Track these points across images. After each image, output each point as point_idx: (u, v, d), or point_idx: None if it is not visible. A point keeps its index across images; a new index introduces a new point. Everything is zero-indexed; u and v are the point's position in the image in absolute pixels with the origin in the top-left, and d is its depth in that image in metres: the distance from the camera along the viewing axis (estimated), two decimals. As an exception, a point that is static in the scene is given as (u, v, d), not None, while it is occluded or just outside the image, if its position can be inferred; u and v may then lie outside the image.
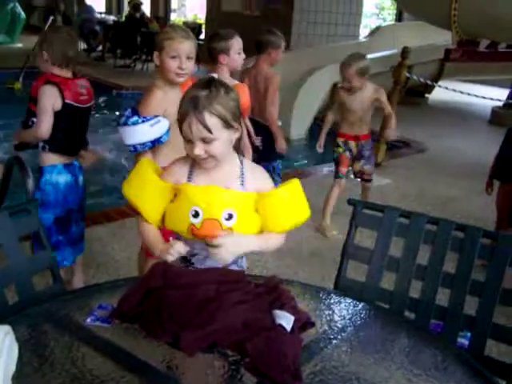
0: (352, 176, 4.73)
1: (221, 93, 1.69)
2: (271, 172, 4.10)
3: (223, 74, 3.52)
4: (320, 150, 4.59)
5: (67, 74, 2.89)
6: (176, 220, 1.80)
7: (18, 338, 1.27)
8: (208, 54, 3.56)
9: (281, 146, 4.20)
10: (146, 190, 1.86)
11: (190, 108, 1.67)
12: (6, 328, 1.23)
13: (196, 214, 1.77)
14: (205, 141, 1.69)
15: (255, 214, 1.80)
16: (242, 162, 1.85)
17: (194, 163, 1.82)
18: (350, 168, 4.61)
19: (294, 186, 1.89)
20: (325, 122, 4.63)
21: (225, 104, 1.69)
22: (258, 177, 1.86)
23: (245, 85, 3.70)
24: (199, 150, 1.70)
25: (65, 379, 1.30)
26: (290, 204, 1.85)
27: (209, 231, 1.74)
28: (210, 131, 1.67)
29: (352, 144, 4.50)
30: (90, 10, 15.46)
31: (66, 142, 2.92)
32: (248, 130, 3.87)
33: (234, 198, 1.77)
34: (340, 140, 4.51)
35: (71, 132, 2.94)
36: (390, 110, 4.47)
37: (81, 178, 3.07)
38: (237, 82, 3.58)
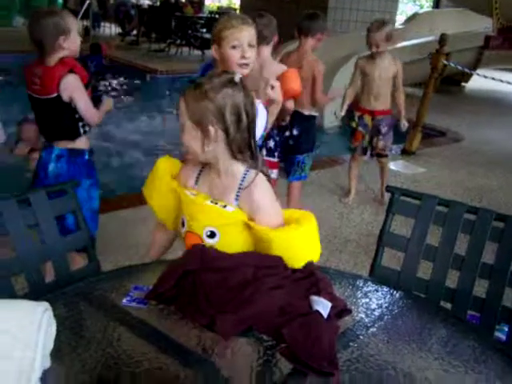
0: (369, 154, 4.70)
1: None
2: (295, 164, 4.05)
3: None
4: (338, 115, 4.66)
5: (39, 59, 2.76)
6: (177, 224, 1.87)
7: (56, 315, 1.28)
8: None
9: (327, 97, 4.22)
10: (158, 190, 1.90)
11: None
12: (45, 305, 1.24)
13: (183, 224, 1.80)
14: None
15: (243, 233, 1.69)
16: (245, 176, 1.72)
17: (202, 169, 1.80)
18: (368, 144, 4.62)
19: (305, 229, 1.71)
20: (344, 97, 4.61)
21: None
22: (255, 199, 1.69)
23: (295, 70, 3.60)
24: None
25: (101, 358, 1.30)
26: (296, 247, 1.70)
27: (190, 244, 1.70)
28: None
29: (367, 119, 4.50)
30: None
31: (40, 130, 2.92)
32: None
33: (219, 216, 1.69)
34: (356, 114, 4.55)
35: (37, 122, 2.91)
36: (401, 91, 4.46)
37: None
38: (285, 67, 3.42)
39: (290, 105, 3.34)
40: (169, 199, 1.87)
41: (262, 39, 3.40)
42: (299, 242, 1.71)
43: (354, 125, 4.60)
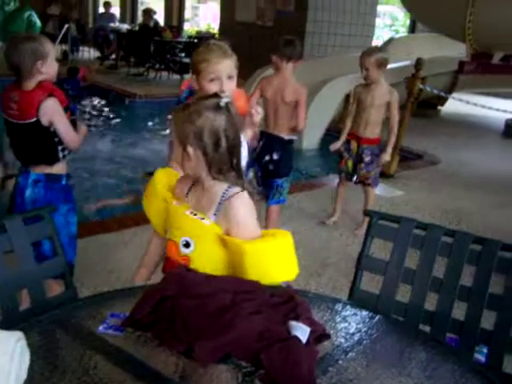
0: (354, 179, 4.72)
1: None
2: (274, 188, 4.05)
3: None
4: (333, 148, 4.64)
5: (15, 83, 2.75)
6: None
7: (30, 344, 1.25)
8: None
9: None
10: (154, 203, 1.97)
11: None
12: (18, 334, 1.22)
13: (166, 233, 1.88)
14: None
15: (218, 247, 1.72)
16: (225, 192, 1.75)
17: (193, 183, 1.86)
18: (351, 170, 4.65)
19: (279, 242, 1.76)
20: (343, 129, 4.65)
21: None
22: (234, 214, 1.72)
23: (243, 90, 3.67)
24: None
25: (76, 388, 1.28)
26: (270, 260, 1.74)
27: (169, 252, 1.83)
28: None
29: (354, 144, 4.55)
30: (112, 18, 15.54)
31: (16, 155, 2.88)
32: None
33: (195, 227, 1.74)
34: (347, 138, 4.58)
35: (13, 147, 2.86)
36: (395, 121, 4.49)
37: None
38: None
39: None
40: (161, 207, 1.93)
41: None
42: (273, 256, 1.74)
43: (342, 148, 4.62)
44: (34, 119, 2.67)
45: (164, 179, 1.97)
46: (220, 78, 2.32)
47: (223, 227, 1.72)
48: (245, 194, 1.75)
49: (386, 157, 4.58)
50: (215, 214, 1.74)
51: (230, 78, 2.34)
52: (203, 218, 1.73)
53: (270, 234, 1.78)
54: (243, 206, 1.74)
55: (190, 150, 1.73)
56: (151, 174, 1.95)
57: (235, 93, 3.47)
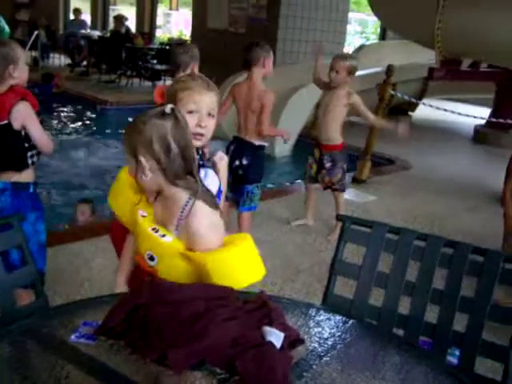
0: (320, 185, 4.78)
1: None
2: (244, 195, 4.05)
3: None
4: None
5: None
6: None
7: (0, 355, 1.23)
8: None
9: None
10: (120, 201, 1.97)
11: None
12: (-12, 345, 1.19)
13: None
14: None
15: (182, 262, 1.72)
16: (186, 204, 1.73)
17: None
18: (315, 175, 4.72)
19: (240, 248, 1.75)
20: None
21: None
22: (195, 228, 1.72)
23: None
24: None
25: (48, 398, 1.26)
26: (234, 267, 1.73)
27: (139, 261, 1.86)
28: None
29: (316, 152, 4.61)
30: (83, 24, 15.42)
31: None
32: None
33: (157, 245, 1.74)
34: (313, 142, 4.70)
35: None
36: (372, 117, 4.56)
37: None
38: None
39: None
40: (129, 207, 1.91)
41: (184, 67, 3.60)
42: (235, 262, 1.74)
43: (310, 155, 4.68)
44: (5, 122, 2.64)
45: (129, 178, 1.91)
46: (200, 112, 2.04)
47: (185, 242, 1.73)
48: (203, 206, 1.74)
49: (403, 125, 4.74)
50: (177, 229, 1.75)
51: (210, 115, 2.06)
52: (164, 235, 1.73)
53: (231, 240, 1.78)
54: (203, 218, 1.73)
55: (143, 160, 1.70)
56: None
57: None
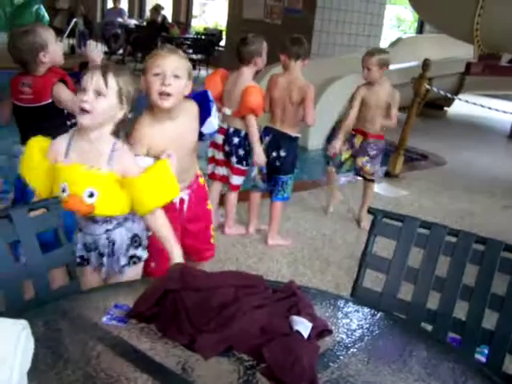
0: (353, 173, 4.78)
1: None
2: (279, 185, 4.08)
3: (249, 75, 3.87)
4: (332, 151, 4.53)
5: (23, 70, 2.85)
6: (55, 194, 2.02)
7: (34, 333, 1.26)
8: (239, 57, 3.88)
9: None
10: (37, 173, 2.09)
11: None
12: (23, 323, 1.22)
13: (64, 190, 2.00)
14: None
15: (120, 194, 2.03)
16: (114, 145, 2.03)
17: (71, 140, 2.05)
18: (349, 162, 4.68)
19: (157, 169, 2.09)
20: (342, 126, 4.60)
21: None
22: (125, 161, 2.04)
23: (258, 86, 3.89)
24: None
25: (79, 377, 1.29)
26: (152, 188, 2.06)
27: (73, 205, 2.00)
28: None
29: (358, 138, 4.54)
30: (121, 12, 15.51)
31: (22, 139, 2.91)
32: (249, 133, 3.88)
33: (96, 178, 1.99)
34: (351, 133, 4.60)
35: (20, 130, 2.93)
36: (394, 122, 4.49)
37: None
38: (253, 83, 3.86)
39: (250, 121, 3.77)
40: (43, 173, 2.07)
41: (244, 60, 3.83)
42: (157, 179, 2.08)
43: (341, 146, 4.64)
44: (50, 101, 2.78)
45: (36, 147, 2.09)
46: (164, 73, 2.23)
47: (117, 174, 2.01)
48: (125, 145, 2.08)
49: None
50: (108, 164, 2.00)
51: (175, 76, 2.24)
52: (100, 169, 2.00)
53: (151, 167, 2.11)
54: (129, 155, 2.08)
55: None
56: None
57: (252, 87, 3.77)
